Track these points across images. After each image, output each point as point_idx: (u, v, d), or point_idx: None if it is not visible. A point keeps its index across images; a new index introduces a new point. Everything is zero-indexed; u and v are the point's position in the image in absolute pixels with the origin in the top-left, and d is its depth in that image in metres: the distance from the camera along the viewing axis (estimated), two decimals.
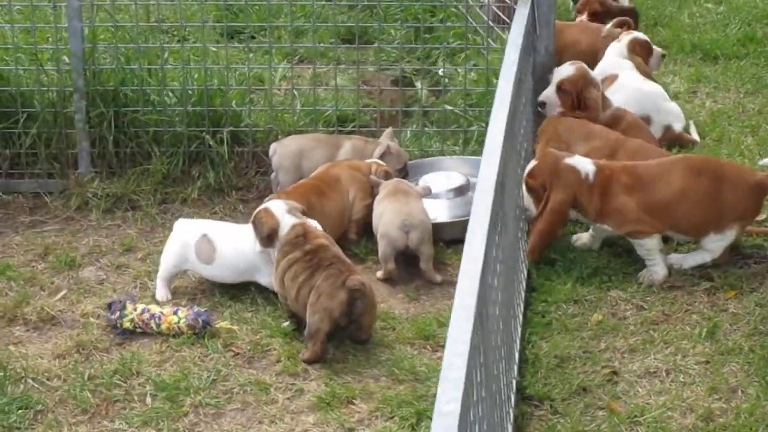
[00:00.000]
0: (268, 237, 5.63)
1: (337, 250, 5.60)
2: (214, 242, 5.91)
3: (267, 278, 5.85)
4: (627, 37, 7.90)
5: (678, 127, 7.45)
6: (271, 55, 8.03)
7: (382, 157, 6.84)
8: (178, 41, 8.35)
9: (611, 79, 7.60)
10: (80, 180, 7.15)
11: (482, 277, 3.75)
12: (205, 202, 7.07)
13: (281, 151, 6.90)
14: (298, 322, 5.59)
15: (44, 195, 7.14)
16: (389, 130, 7.12)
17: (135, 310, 5.66)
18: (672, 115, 7.48)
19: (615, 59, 7.83)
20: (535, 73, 6.94)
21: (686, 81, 8.69)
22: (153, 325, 5.64)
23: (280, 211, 5.67)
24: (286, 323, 5.65)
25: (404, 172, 6.93)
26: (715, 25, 10.02)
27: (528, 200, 6.04)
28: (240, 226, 6.08)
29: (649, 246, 5.98)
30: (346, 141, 7.05)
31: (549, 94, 6.90)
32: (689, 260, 6.06)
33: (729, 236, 6.00)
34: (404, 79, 8.40)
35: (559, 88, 6.88)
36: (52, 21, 7.51)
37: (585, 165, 6.00)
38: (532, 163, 6.07)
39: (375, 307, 5.52)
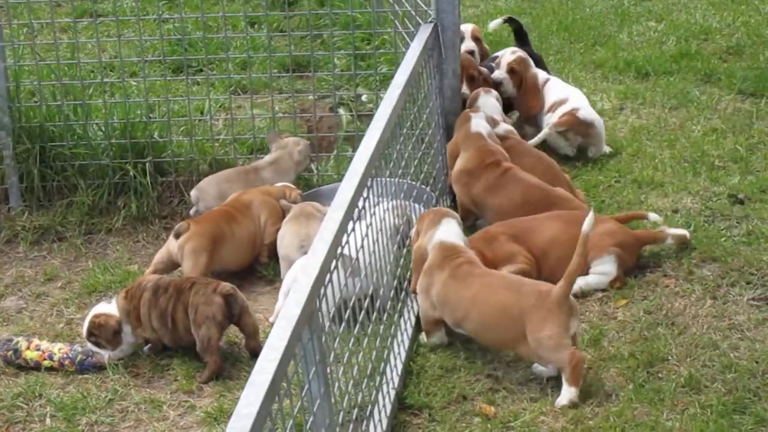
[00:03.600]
0: (114, 335, 5.85)
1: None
2: None
3: None
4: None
5: None
6: (211, 87, 8.32)
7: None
8: (119, 79, 8.55)
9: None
10: (10, 214, 7.40)
11: (312, 292, 3.94)
12: (130, 232, 7.31)
13: (204, 197, 7.14)
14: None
15: None
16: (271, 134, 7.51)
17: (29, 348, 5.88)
18: None
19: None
20: (443, 95, 7.14)
21: (615, 98, 8.87)
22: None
23: (106, 308, 5.92)
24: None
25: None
26: (651, 42, 10.22)
27: None
28: None
29: None
30: (262, 168, 7.32)
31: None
32: (588, 281, 6.22)
33: (610, 259, 6.22)
34: (338, 106, 8.63)
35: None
36: None
37: None
38: None
39: (249, 309, 5.81)
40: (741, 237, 6.58)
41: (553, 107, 7.93)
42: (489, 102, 7.31)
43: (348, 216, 4.55)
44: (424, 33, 6.81)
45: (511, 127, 7.29)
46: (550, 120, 7.85)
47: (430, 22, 6.98)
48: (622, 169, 7.55)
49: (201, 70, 9.14)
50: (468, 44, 8.34)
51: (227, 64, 8.57)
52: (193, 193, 7.14)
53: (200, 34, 8.76)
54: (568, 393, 5.18)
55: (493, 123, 7.07)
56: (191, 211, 7.17)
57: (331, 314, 4.37)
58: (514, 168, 6.75)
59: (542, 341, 5.22)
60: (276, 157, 7.30)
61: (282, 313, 3.79)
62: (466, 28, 8.49)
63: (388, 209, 5.86)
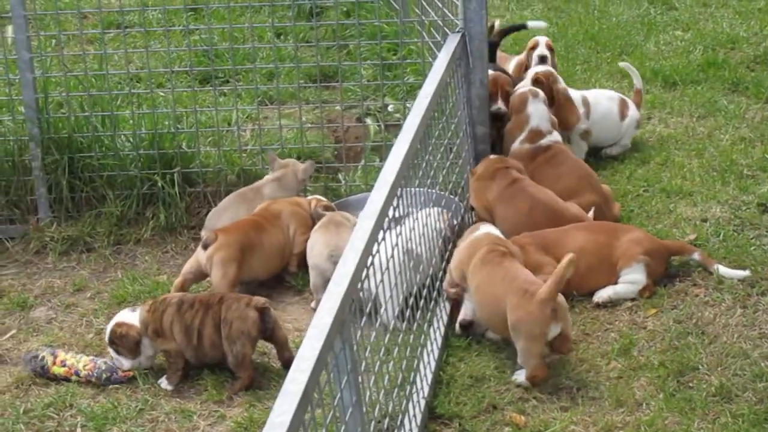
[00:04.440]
0: (135, 345, 5.82)
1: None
2: None
3: None
4: None
5: None
6: (239, 98, 8.37)
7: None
8: (147, 90, 8.57)
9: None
10: (39, 225, 7.42)
11: (343, 301, 3.94)
12: (158, 242, 7.32)
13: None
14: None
15: (6, 240, 7.44)
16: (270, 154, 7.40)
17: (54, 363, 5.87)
18: None
19: None
20: (471, 104, 7.13)
21: (642, 107, 8.80)
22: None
23: (129, 317, 5.86)
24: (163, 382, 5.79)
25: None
26: (678, 51, 10.19)
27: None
28: None
29: None
30: (263, 185, 7.26)
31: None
32: (617, 290, 6.21)
33: (639, 267, 6.19)
34: (365, 116, 8.64)
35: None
36: (5, 73, 7.77)
37: None
38: None
39: (279, 322, 5.80)
40: None
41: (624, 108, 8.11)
42: (539, 109, 7.29)
43: (378, 225, 4.55)
44: (451, 43, 6.81)
45: (558, 137, 7.29)
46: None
47: (458, 31, 6.98)
48: (651, 179, 7.54)
49: (227, 81, 9.16)
50: (541, 50, 8.34)
51: (254, 74, 8.59)
52: (203, 233, 6.96)
53: (227, 45, 8.80)
54: (522, 379, 5.47)
55: (539, 135, 7.20)
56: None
57: (396, 312, 4.92)
58: (525, 180, 6.80)
59: (516, 341, 5.45)
60: (280, 175, 7.22)
61: (314, 322, 3.79)
62: (541, 38, 8.48)
63: (430, 214, 6.08)
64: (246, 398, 5.55)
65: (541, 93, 7.39)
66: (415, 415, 5.01)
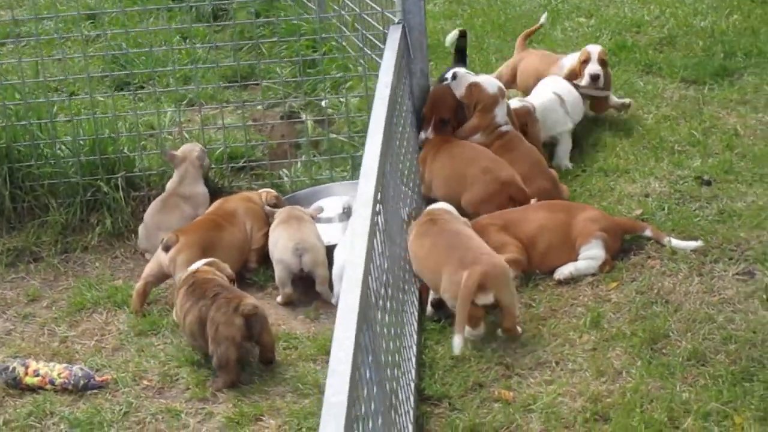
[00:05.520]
0: None
1: (220, 280, 5.91)
2: None
3: None
4: None
5: None
6: (160, 102, 8.35)
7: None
8: (69, 95, 8.52)
9: None
10: None
11: (363, 286, 4.01)
12: (106, 248, 7.26)
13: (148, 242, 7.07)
14: None
15: None
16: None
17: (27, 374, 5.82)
18: None
19: None
20: (413, 95, 7.23)
21: None
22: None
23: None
24: None
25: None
26: (587, 37, 10.38)
27: None
28: None
29: None
30: (176, 190, 7.27)
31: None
32: (578, 267, 6.37)
33: (597, 243, 6.37)
34: (293, 114, 8.69)
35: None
36: None
37: None
38: None
39: (269, 324, 5.79)
40: (714, 216, 6.76)
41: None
42: (502, 108, 7.30)
43: (374, 211, 4.62)
44: (394, 34, 6.89)
45: (514, 131, 7.37)
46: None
47: (398, 23, 7.06)
48: (587, 159, 7.72)
49: (142, 87, 9.08)
50: (593, 67, 8.16)
51: (171, 76, 8.55)
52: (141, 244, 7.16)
53: (138, 50, 8.78)
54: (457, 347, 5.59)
55: (497, 127, 7.27)
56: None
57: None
58: (459, 140, 7.16)
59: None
60: (182, 174, 7.24)
61: (341, 306, 3.84)
62: (594, 49, 8.29)
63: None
64: (230, 393, 5.57)
65: (504, 91, 7.43)
66: (408, 397, 5.08)
